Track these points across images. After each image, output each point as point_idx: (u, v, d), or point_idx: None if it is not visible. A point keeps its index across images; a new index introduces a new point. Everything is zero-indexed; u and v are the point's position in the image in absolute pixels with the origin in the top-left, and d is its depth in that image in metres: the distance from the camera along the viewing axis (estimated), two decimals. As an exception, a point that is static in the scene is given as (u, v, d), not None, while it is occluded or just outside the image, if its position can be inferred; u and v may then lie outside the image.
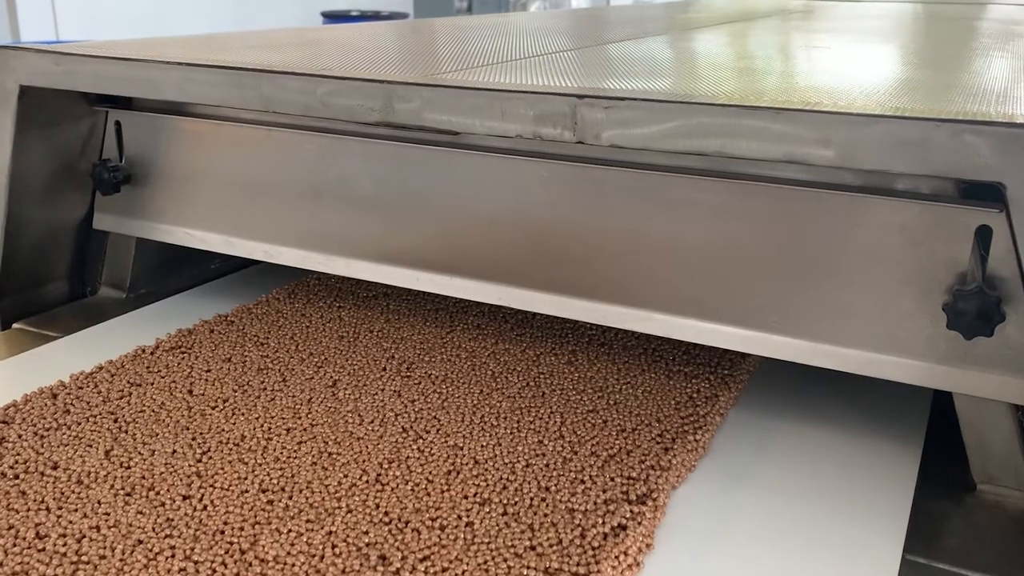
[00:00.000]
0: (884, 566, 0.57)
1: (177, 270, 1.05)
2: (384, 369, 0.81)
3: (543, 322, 0.91)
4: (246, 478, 0.63)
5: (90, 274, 1.02)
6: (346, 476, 0.64)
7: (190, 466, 0.65)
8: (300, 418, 0.72)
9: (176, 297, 1.01)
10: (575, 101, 0.67)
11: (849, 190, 0.65)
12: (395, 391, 0.77)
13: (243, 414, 0.73)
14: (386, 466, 0.65)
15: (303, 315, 0.93)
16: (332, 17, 4.60)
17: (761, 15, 1.80)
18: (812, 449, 0.70)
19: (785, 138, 0.61)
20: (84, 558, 0.55)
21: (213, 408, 0.74)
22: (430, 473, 0.64)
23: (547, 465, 0.65)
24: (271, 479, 0.63)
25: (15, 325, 0.94)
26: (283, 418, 0.72)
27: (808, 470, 0.67)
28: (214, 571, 0.54)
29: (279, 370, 0.81)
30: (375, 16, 4.60)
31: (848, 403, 0.76)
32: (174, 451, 0.67)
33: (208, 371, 0.80)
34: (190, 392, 0.76)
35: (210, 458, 0.66)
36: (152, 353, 0.84)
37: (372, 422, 0.71)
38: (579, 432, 0.70)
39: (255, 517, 0.59)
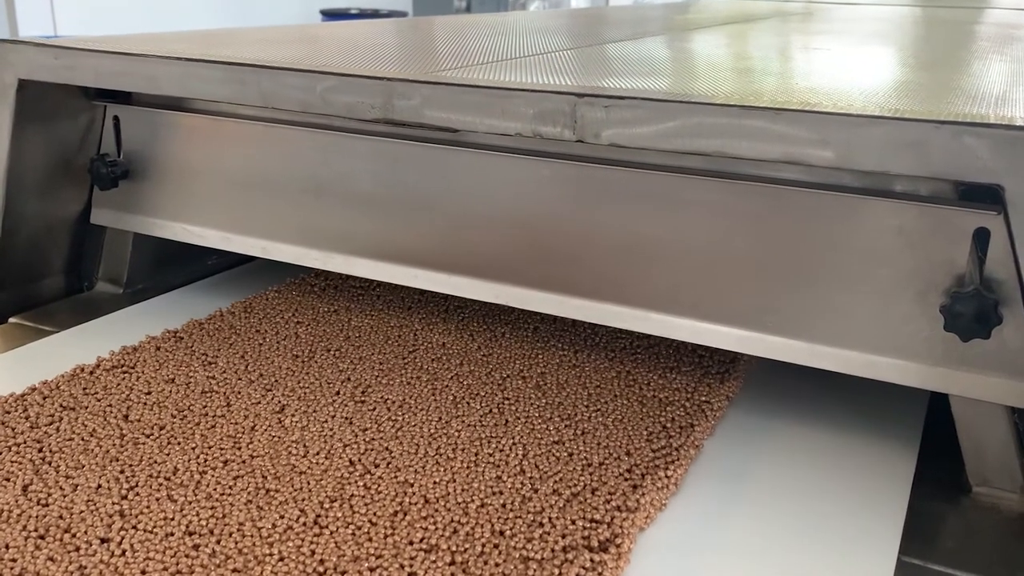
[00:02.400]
0: (880, 567, 0.57)
1: (174, 266, 1.04)
2: (337, 393, 0.76)
3: (512, 342, 0.86)
4: (173, 518, 0.58)
5: (87, 269, 1.02)
6: (282, 517, 0.58)
7: (113, 504, 0.60)
8: (240, 448, 0.67)
9: (173, 293, 1.00)
10: (575, 100, 0.67)
11: (848, 191, 0.65)
12: (346, 418, 0.71)
13: (179, 443, 0.67)
14: (327, 505, 0.60)
15: (257, 331, 0.88)
16: (331, 15, 4.61)
17: (760, 17, 1.80)
18: (808, 450, 0.70)
19: (784, 138, 0.61)
20: None
21: (148, 436, 0.68)
22: (374, 515, 0.59)
23: (503, 505, 0.60)
24: (200, 520, 0.58)
25: (11, 319, 0.93)
26: (222, 448, 0.67)
27: (804, 471, 0.67)
28: None
29: (224, 393, 0.75)
30: (374, 14, 4.61)
31: (844, 404, 0.76)
32: (99, 486, 0.62)
33: (148, 394, 0.75)
34: (125, 418, 0.71)
35: (137, 494, 0.61)
36: (91, 373, 0.78)
37: (318, 454, 0.66)
38: (541, 466, 0.65)
39: (177, 565, 0.54)
